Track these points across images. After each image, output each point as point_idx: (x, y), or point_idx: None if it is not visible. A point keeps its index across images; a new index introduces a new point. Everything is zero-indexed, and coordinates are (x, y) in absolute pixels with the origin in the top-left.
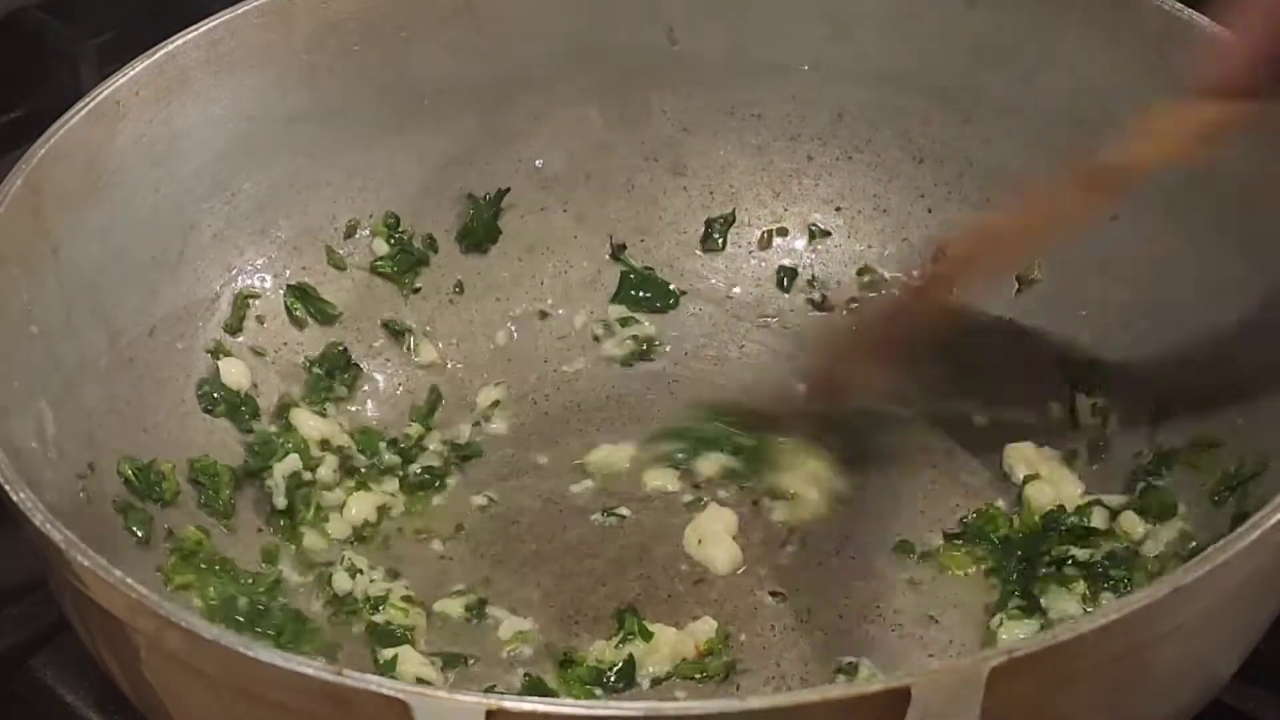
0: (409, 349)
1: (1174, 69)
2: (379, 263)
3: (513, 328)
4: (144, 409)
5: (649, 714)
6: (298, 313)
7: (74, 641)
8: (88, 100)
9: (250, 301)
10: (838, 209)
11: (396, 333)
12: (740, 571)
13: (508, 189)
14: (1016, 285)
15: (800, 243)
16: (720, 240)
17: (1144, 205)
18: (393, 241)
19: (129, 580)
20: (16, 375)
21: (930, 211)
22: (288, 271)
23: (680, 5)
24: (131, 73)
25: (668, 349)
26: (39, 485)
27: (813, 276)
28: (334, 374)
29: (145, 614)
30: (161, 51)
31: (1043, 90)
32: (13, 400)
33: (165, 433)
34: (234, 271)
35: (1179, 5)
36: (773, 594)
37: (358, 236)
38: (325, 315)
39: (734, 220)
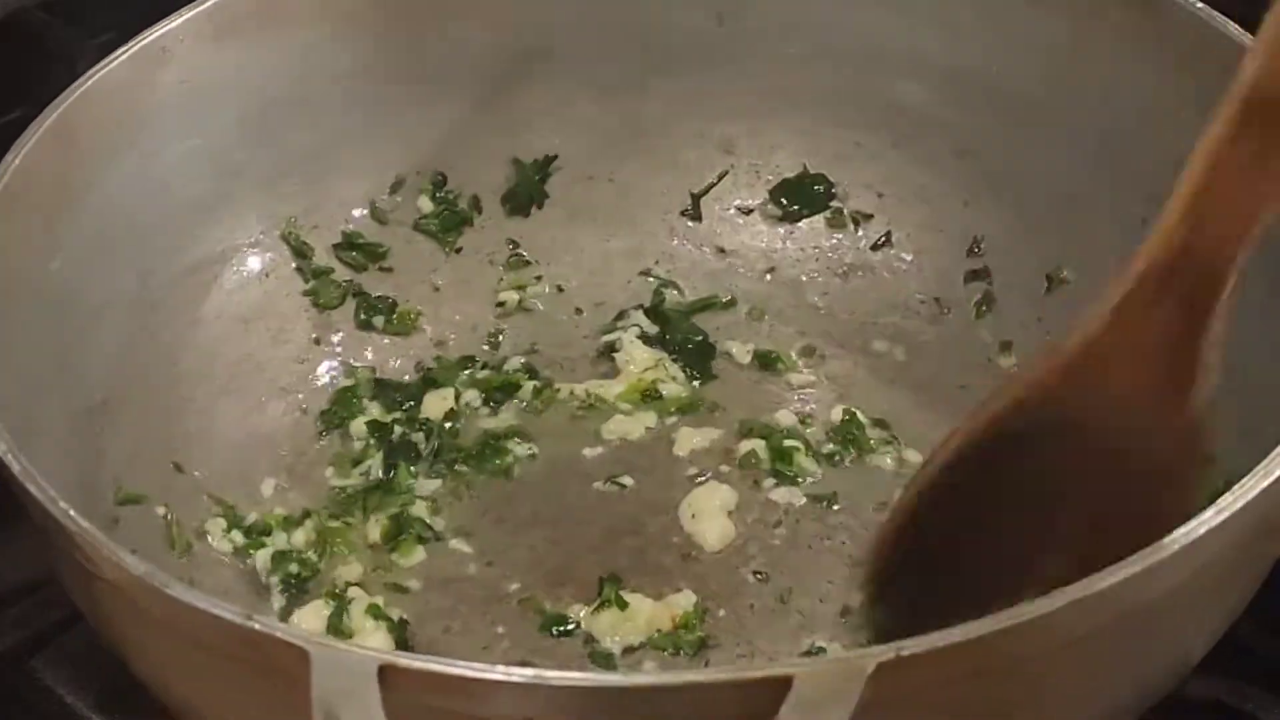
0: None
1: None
2: (423, 220)
3: (549, 291)
4: (173, 346)
5: (532, 681)
6: (347, 260)
7: (74, 642)
8: (132, 44)
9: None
10: (880, 195)
11: (435, 288)
12: (729, 548)
13: (555, 156)
14: (1046, 283)
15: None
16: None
17: None
18: (438, 199)
19: (71, 512)
20: (26, 307)
21: (966, 205)
22: (331, 221)
23: None
24: (179, 20)
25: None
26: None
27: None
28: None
29: (79, 544)
30: (211, 1)
31: (1083, 98)
32: (21, 335)
33: (192, 369)
34: (275, 219)
35: (1215, 14)
36: (756, 573)
37: (402, 193)
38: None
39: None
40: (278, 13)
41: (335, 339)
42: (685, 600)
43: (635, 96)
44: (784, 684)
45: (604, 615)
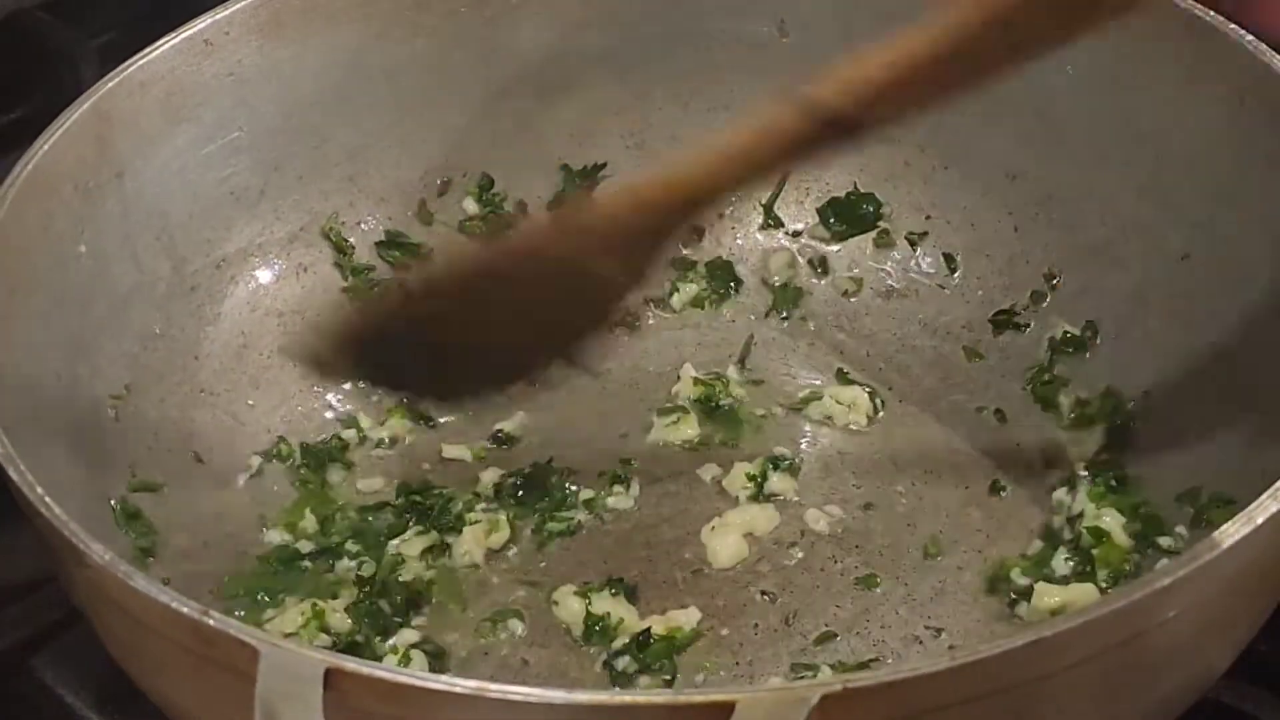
0: None
1: (1256, 115)
2: (467, 222)
3: None
4: (199, 338)
5: (475, 692)
6: (389, 259)
7: (74, 642)
8: (173, 36)
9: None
10: (927, 217)
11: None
12: (740, 567)
13: (604, 163)
14: (1089, 310)
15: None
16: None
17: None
18: (484, 201)
19: (48, 499)
20: (49, 290)
21: (1016, 231)
22: (373, 219)
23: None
24: (225, 12)
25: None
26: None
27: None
28: None
29: (57, 535)
30: None
31: (1135, 127)
32: (39, 317)
33: (217, 362)
34: (315, 214)
35: (1263, 47)
36: (764, 593)
37: (449, 194)
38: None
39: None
40: (324, 9)
41: None
42: (688, 618)
43: (687, 105)
44: (726, 710)
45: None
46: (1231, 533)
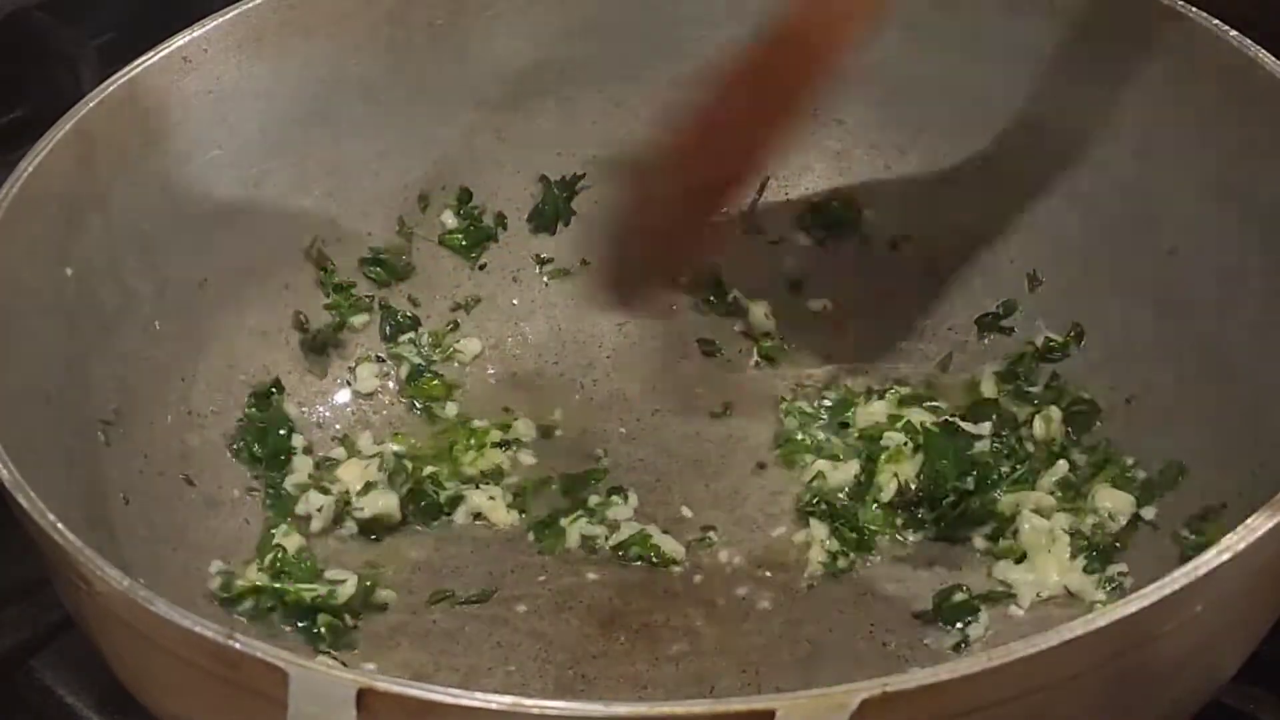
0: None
1: (1245, 115)
2: (447, 236)
3: (573, 310)
4: (184, 359)
5: (510, 708)
6: (372, 275)
7: (74, 642)
8: (152, 54)
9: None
10: (908, 220)
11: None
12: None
13: (583, 174)
14: (1076, 315)
15: None
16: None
17: None
18: (463, 215)
19: (60, 525)
20: (37, 315)
21: (1000, 234)
22: (354, 235)
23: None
24: (202, 30)
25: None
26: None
27: None
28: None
29: (65, 556)
30: (234, 11)
31: (1121, 131)
32: (29, 340)
33: (204, 384)
34: (297, 231)
35: (1246, 42)
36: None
37: (428, 208)
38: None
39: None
40: (301, 24)
41: (356, 354)
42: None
43: (665, 115)
44: (766, 718)
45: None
46: (1255, 527)
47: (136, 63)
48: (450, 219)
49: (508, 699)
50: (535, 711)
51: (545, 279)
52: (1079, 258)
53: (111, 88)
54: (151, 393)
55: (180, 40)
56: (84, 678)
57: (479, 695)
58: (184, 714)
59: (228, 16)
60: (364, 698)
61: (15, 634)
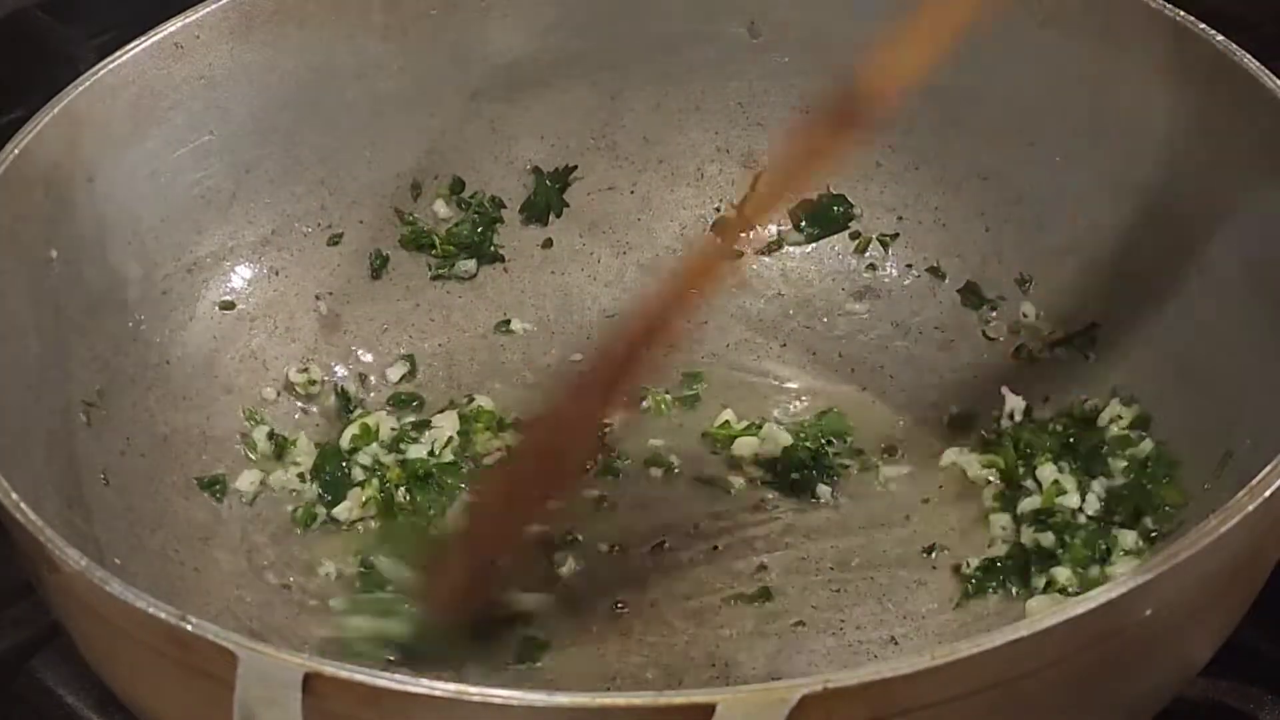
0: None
1: (1227, 113)
2: (439, 225)
3: (564, 300)
4: (172, 342)
5: (455, 695)
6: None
7: (74, 643)
8: (143, 39)
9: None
10: (899, 217)
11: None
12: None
13: (574, 166)
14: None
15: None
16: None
17: None
18: (455, 204)
19: (23, 505)
20: (20, 295)
21: (988, 231)
22: (344, 222)
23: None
24: (195, 15)
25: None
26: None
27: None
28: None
29: (31, 539)
30: None
31: (1106, 127)
32: (12, 320)
33: (190, 366)
34: (287, 217)
35: (1232, 46)
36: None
37: (420, 197)
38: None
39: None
40: (295, 12)
41: (343, 339)
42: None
43: (658, 107)
44: (707, 711)
45: None
46: (1209, 530)
47: (128, 47)
48: (442, 208)
49: (452, 687)
50: (478, 699)
51: (536, 269)
52: (1068, 259)
53: (102, 72)
54: (135, 374)
55: (173, 26)
56: (84, 678)
57: (424, 682)
58: (144, 696)
59: (221, 3)
60: (310, 681)
61: (15, 634)
